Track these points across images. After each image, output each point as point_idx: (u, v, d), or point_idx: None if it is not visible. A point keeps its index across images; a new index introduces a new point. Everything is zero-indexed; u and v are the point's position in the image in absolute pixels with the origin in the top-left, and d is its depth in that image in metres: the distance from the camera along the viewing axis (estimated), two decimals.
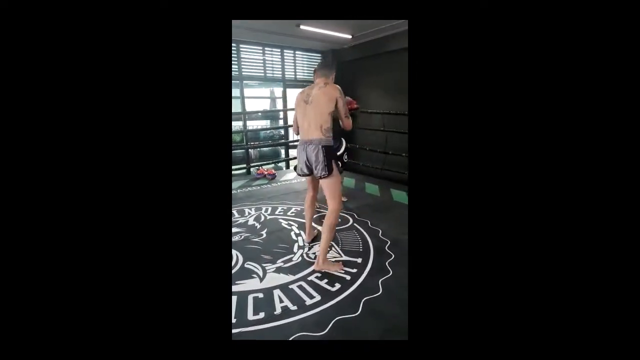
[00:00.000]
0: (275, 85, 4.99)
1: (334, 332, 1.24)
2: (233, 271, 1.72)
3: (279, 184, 3.70)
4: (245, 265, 1.76)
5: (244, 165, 4.26)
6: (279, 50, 4.42)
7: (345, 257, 1.85)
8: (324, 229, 1.69)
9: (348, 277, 1.63)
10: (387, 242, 2.05)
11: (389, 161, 3.76)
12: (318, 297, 1.47)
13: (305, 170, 1.74)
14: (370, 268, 1.73)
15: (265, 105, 5.67)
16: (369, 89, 4.33)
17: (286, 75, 4.57)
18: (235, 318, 1.34)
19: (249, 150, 4.42)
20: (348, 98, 1.83)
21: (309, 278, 1.64)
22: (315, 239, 2.10)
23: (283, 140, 4.96)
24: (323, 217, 2.50)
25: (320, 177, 1.66)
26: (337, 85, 1.66)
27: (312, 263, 1.78)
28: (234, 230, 2.25)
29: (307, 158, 1.67)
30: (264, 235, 2.19)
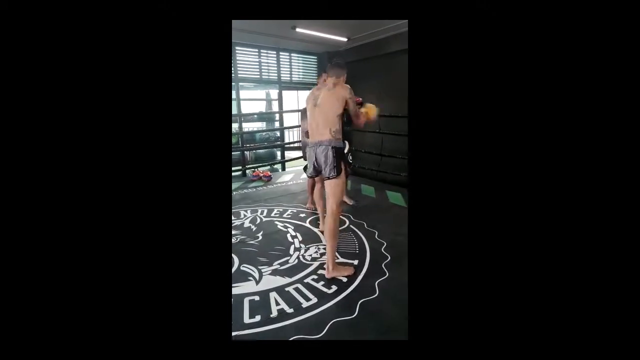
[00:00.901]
0: (271, 87, 4.99)
1: (330, 335, 1.23)
2: None
3: (274, 186, 3.70)
4: (241, 268, 1.75)
5: (240, 168, 4.24)
6: (275, 52, 4.42)
7: (341, 259, 1.84)
8: (327, 237, 1.66)
9: (344, 279, 1.63)
10: (384, 244, 2.05)
11: (384, 163, 3.78)
12: (314, 300, 1.46)
13: (314, 172, 1.75)
14: (367, 270, 1.73)
15: (261, 107, 5.66)
16: (364, 92, 4.32)
17: (282, 78, 4.58)
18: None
19: (245, 152, 4.41)
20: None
21: (306, 280, 1.63)
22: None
23: (279, 143, 4.95)
24: (319, 219, 2.51)
25: (329, 178, 1.65)
26: (347, 85, 1.65)
27: (308, 265, 1.78)
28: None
29: (316, 159, 1.68)
30: (260, 238, 2.18)
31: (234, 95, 4.18)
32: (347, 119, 1.84)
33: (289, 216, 2.60)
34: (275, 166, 4.90)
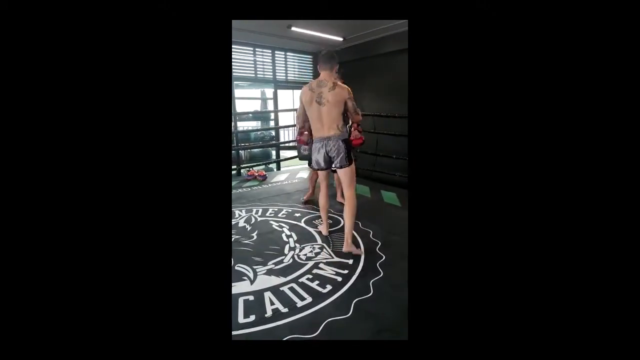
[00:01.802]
0: (267, 86, 4.97)
1: (325, 334, 1.24)
2: None
3: (269, 185, 3.68)
4: (236, 268, 1.74)
5: (235, 167, 4.22)
6: (270, 51, 4.40)
7: (336, 259, 1.85)
8: (347, 217, 1.90)
9: (339, 279, 1.63)
10: (378, 244, 2.06)
11: (379, 163, 3.79)
12: (309, 299, 1.46)
13: (323, 164, 1.90)
14: (361, 269, 1.73)
15: (256, 106, 5.64)
16: (359, 91, 4.33)
17: (277, 77, 4.56)
18: None
19: (240, 151, 4.39)
20: (356, 133, 2.01)
21: (300, 280, 1.63)
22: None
23: (274, 142, 4.94)
24: (314, 218, 2.51)
25: (341, 167, 1.84)
26: (346, 86, 1.80)
27: (303, 264, 1.78)
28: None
29: (326, 152, 1.85)
30: (255, 237, 2.17)
31: None
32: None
33: (284, 216, 2.60)
34: (270, 165, 4.88)
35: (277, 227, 2.35)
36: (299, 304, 1.43)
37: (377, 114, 3.68)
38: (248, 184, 3.75)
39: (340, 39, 3.93)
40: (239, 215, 2.62)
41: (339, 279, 1.63)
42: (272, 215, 2.63)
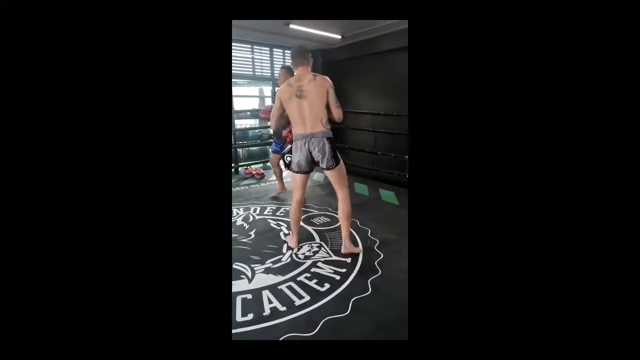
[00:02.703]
0: (264, 84, 4.95)
1: (323, 332, 1.24)
2: None
3: (267, 183, 3.68)
4: (234, 266, 1.74)
5: (232, 165, 4.21)
6: (268, 48, 4.38)
7: (334, 257, 1.85)
8: (343, 219, 1.81)
9: (337, 277, 1.63)
10: (376, 242, 2.06)
11: (377, 161, 3.79)
12: (307, 298, 1.46)
13: (305, 167, 1.73)
14: (360, 268, 1.74)
15: (254, 104, 5.61)
16: (357, 90, 4.35)
17: (275, 74, 4.54)
18: None
19: (238, 149, 4.37)
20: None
21: (298, 278, 1.63)
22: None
23: (272, 140, 4.92)
24: (312, 217, 2.50)
25: (328, 169, 1.70)
26: (326, 76, 1.69)
27: (301, 263, 1.78)
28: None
29: (309, 152, 1.68)
30: (253, 236, 2.16)
31: None
32: None
33: (282, 214, 2.59)
34: (268, 164, 4.87)
35: (275, 226, 2.35)
36: (297, 302, 1.43)
37: (375, 112, 3.68)
38: (246, 182, 3.74)
39: (339, 37, 3.91)
40: (237, 213, 2.61)
41: (337, 277, 1.63)
42: (270, 213, 2.62)
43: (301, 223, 2.37)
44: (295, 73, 1.74)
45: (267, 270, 1.71)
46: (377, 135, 3.75)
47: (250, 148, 4.94)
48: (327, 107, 1.68)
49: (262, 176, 3.94)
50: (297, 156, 1.72)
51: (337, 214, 2.55)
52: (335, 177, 1.75)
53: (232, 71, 4.11)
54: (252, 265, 1.75)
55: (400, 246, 1.96)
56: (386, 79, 3.82)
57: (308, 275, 1.66)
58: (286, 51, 4.57)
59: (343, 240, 1.86)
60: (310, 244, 2.04)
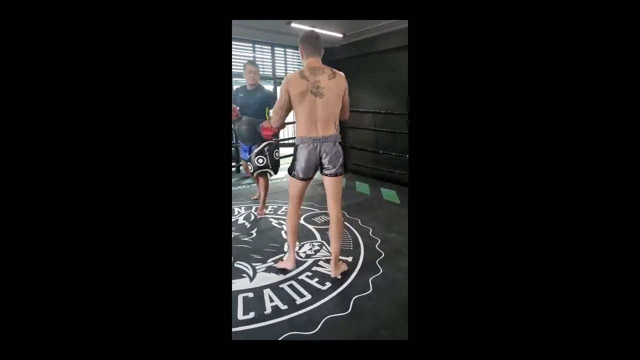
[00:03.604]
0: (266, 83, 4.95)
1: (324, 331, 1.24)
2: None
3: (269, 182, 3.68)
4: (236, 265, 1.75)
5: (233, 164, 4.21)
6: (270, 47, 4.38)
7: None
8: (334, 238, 1.58)
9: (339, 276, 1.63)
10: (378, 241, 2.06)
11: (379, 160, 3.79)
12: (308, 296, 1.47)
13: (312, 173, 1.54)
14: (361, 266, 1.74)
15: None
16: (359, 88, 4.34)
17: (277, 73, 4.54)
18: None
19: (238, 148, 4.37)
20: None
21: (300, 277, 1.63)
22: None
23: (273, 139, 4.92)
24: (313, 216, 2.50)
25: (336, 175, 1.51)
26: (343, 75, 1.50)
27: (303, 262, 1.78)
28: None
29: (320, 156, 1.48)
30: (254, 235, 2.17)
31: None
32: None
33: (283, 213, 2.60)
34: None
35: (276, 225, 2.35)
36: (299, 301, 1.44)
37: (377, 111, 3.67)
38: (247, 181, 3.75)
39: (340, 36, 3.90)
40: (238, 212, 2.62)
41: (339, 276, 1.63)
42: (272, 212, 2.63)
43: (302, 221, 2.38)
44: (304, 64, 1.48)
45: (269, 269, 1.71)
46: (378, 134, 3.74)
47: (251, 147, 4.93)
48: (342, 109, 1.53)
49: None
50: (305, 161, 1.49)
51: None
52: (336, 186, 1.54)
53: (234, 70, 4.11)
54: (254, 264, 1.76)
55: (401, 245, 1.97)
56: (388, 77, 3.81)
57: (309, 274, 1.67)
58: (288, 50, 4.57)
59: (332, 261, 1.61)
60: (312, 242, 2.05)
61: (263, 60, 4.39)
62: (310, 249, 1.95)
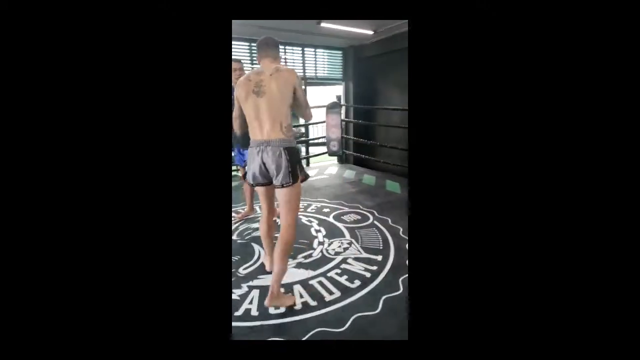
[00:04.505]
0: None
1: (352, 329, 1.24)
2: (254, 266, 1.76)
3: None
4: None
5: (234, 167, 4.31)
6: (300, 48, 4.44)
7: (364, 255, 1.84)
8: (278, 255, 1.37)
9: (368, 275, 1.63)
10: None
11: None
12: (338, 294, 1.48)
13: (261, 180, 1.38)
14: (391, 266, 1.71)
15: None
16: (390, 86, 4.26)
17: (307, 74, 4.59)
18: (257, 311, 1.38)
19: None
20: None
21: (329, 274, 1.65)
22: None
23: (304, 138, 4.99)
24: (342, 214, 2.50)
25: (282, 186, 1.33)
26: (294, 69, 1.40)
27: (332, 259, 1.79)
28: (254, 225, 2.29)
29: (263, 163, 1.32)
30: None
31: None
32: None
33: (313, 210, 2.62)
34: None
35: (306, 222, 2.38)
36: (328, 297, 1.45)
37: (406, 109, 3.58)
38: None
39: (371, 32, 3.86)
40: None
41: (368, 275, 1.63)
42: (302, 209, 2.66)
43: (331, 219, 2.39)
44: (259, 66, 1.38)
45: (299, 265, 1.74)
46: (404, 131, 3.65)
47: None
48: (297, 108, 1.40)
49: None
50: (252, 167, 1.37)
51: (368, 211, 2.55)
52: (286, 197, 1.35)
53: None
54: None
55: None
56: None
57: (338, 271, 1.68)
58: (318, 50, 4.60)
59: (271, 287, 1.37)
60: (341, 240, 2.05)
61: (294, 62, 4.46)
62: (339, 246, 1.96)
